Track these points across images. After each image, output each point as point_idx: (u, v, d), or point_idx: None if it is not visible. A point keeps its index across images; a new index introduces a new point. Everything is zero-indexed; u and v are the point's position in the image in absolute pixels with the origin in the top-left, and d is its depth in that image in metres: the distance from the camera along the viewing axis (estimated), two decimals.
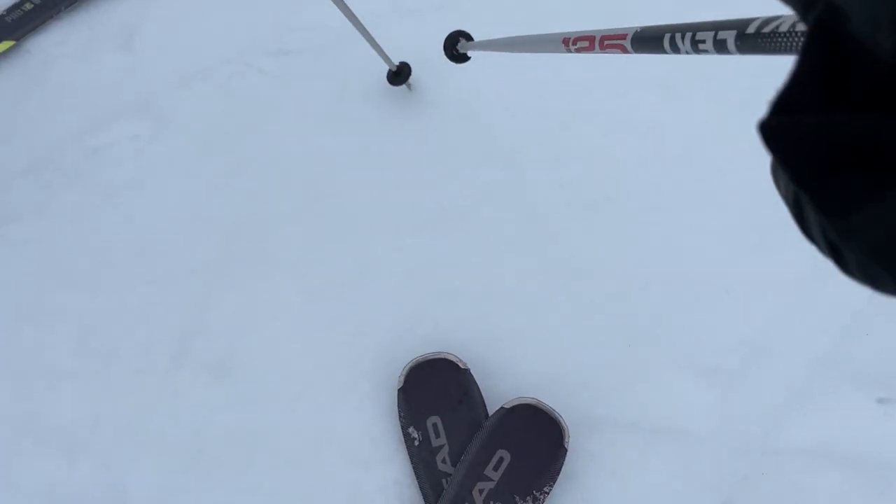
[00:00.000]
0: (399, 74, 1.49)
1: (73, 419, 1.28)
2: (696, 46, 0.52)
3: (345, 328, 1.38)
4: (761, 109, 0.29)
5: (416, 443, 1.28)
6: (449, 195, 1.48)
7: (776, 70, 0.35)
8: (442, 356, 1.31)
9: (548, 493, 1.24)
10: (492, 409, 1.31)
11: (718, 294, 1.40)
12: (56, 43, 1.61)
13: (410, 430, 1.28)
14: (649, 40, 0.59)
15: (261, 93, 1.54)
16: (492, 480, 1.24)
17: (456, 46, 1.34)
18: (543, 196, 1.47)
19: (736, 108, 1.52)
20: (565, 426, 1.26)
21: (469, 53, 1.34)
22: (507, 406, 1.27)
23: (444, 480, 1.26)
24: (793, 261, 1.42)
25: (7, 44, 1.60)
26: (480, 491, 1.24)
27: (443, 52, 1.35)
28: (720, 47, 0.47)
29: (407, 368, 1.30)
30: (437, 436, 1.28)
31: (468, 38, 1.33)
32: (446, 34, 1.34)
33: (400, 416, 1.30)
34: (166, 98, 1.54)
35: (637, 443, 1.32)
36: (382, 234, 1.45)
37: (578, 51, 0.76)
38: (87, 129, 1.51)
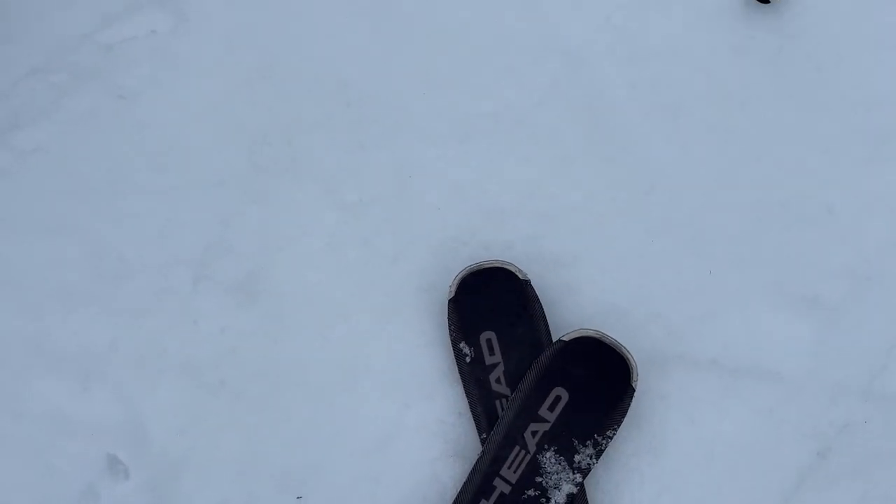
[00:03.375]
0: None
1: (87, 342, 1.18)
2: None
3: (383, 249, 1.23)
4: None
5: (468, 359, 1.13)
6: (502, 97, 1.29)
7: None
8: (500, 265, 1.15)
9: (611, 438, 1.09)
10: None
11: (819, 213, 1.20)
12: None
13: (461, 345, 1.14)
14: None
15: None
16: (547, 422, 1.09)
17: None
18: (613, 98, 1.27)
19: None
20: (633, 362, 1.09)
21: None
22: (565, 338, 1.10)
23: (498, 403, 1.12)
24: None
25: None
26: (534, 433, 1.09)
27: None
28: None
29: (459, 277, 1.15)
30: (492, 353, 1.13)
31: None
32: None
33: (450, 330, 1.15)
34: None
35: (717, 384, 1.15)
36: (425, 142, 1.27)
37: None
38: (99, 24, 1.34)
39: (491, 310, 1.14)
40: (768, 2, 1.23)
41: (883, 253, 1.19)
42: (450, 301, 1.15)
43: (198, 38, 1.35)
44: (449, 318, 1.15)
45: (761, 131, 1.23)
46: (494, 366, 1.13)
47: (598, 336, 1.10)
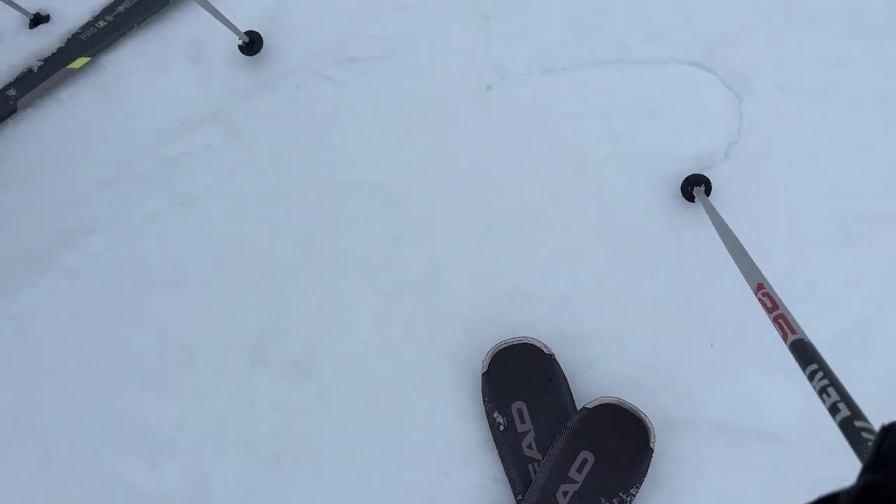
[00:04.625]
0: (252, 45, 1.54)
1: (156, 421, 1.30)
2: (821, 395, 0.75)
3: (420, 330, 1.37)
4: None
5: (502, 428, 1.26)
6: (519, 195, 1.46)
7: None
8: (526, 341, 1.29)
9: (634, 496, 1.21)
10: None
11: (802, 291, 1.36)
12: (129, 58, 1.65)
13: (495, 415, 1.27)
14: (803, 352, 0.80)
15: (329, 100, 1.55)
16: (576, 482, 1.21)
17: (693, 187, 1.39)
18: (616, 193, 1.45)
19: (811, 98, 1.48)
20: (651, 425, 1.23)
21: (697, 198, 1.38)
22: (589, 406, 1.24)
23: (530, 466, 1.24)
24: (881, 256, 1.37)
25: (83, 60, 1.64)
26: (565, 493, 1.21)
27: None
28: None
29: (491, 353, 1.29)
30: (523, 421, 1.26)
31: (709, 188, 1.39)
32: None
33: (484, 401, 1.28)
34: (237, 108, 1.56)
35: (724, 445, 1.28)
36: (454, 235, 1.44)
37: (759, 301, 0.95)
38: (161, 140, 1.53)
39: (520, 382, 1.28)
40: (693, 201, 1.41)
41: (863, 323, 1.34)
42: (483, 375, 1.29)
43: (248, 149, 1.53)
44: (483, 391, 1.28)
45: (747, 221, 1.40)
46: (526, 433, 1.25)
47: (618, 403, 1.23)
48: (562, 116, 1.51)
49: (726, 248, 1.08)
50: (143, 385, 1.33)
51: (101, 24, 1.68)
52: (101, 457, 1.28)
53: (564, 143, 1.49)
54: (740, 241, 1.08)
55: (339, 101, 1.55)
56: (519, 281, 1.40)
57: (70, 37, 1.67)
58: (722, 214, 1.40)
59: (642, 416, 1.23)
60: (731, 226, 1.39)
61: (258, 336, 1.36)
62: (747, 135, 1.47)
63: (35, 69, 1.64)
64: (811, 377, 0.76)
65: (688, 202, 1.41)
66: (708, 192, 1.38)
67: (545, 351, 1.28)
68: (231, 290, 1.40)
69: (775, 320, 0.86)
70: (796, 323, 0.84)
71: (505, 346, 1.29)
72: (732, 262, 1.08)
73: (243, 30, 1.53)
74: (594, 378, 1.33)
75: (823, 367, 0.76)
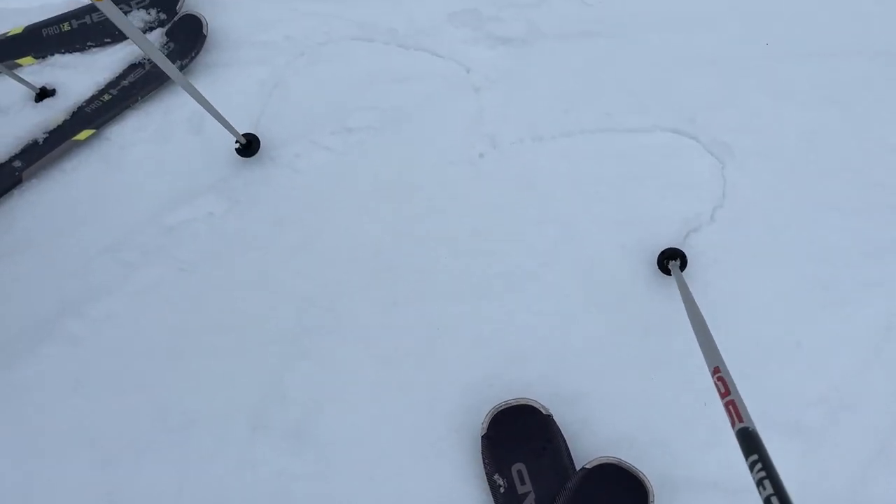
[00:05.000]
0: (250, 147, 1.60)
1: (157, 489, 1.31)
2: (758, 486, 0.77)
3: (419, 393, 1.39)
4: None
5: (502, 490, 1.27)
6: (512, 259, 1.51)
7: None
8: (525, 402, 1.32)
9: None
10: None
11: (790, 350, 1.40)
12: (133, 130, 1.70)
13: (496, 477, 1.28)
14: (748, 440, 0.85)
15: (327, 169, 1.61)
16: None
17: (668, 261, 1.44)
18: (606, 256, 1.49)
19: (790, 164, 1.55)
20: (649, 485, 1.24)
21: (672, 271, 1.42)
22: (588, 466, 1.26)
23: None
24: (864, 315, 1.41)
25: (87, 132, 1.69)
26: None
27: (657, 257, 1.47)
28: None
29: (490, 415, 1.31)
30: (523, 483, 1.27)
31: (684, 262, 1.44)
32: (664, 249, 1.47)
33: (485, 463, 1.29)
34: (237, 177, 1.61)
35: (720, 503, 1.30)
36: (450, 298, 1.47)
37: (714, 383, 1.01)
38: (163, 209, 1.57)
39: (519, 443, 1.30)
40: (670, 275, 1.47)
41: (851, 381, 1.38)
42: (483, 437, 1.30)
43: (248, 217, 1.57)
44: (483, 453, 1.30)
45: (734, 281, 1.45)
46: (526, 494, 1.27)
47: (616, 462, 1.25)
48: (552, 182, 1.57)
49: (692, 325, 1.12)
50: (143, 453, 1.33)
51: (106, 97, 1.73)
52: None
53: (555, 208, 1.55)
54: (706, 320, 1.13)
55: (337, 169, 1.60)
56: (515, 342, 1.43)
57: (75, 110, 1.73)
58: (709, 274, 1.46)
59: (641, 475, 1.24)
60: (718, 286, 1.45)
61: (258, 402, 1.38)
62: (731, 199, 1.53)
63: (40, 141, 1.69)
64: (751, 467, 0.80)
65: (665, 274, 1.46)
66: (683, 265, 1.43)
67: (543, 412, 1.31)
68: (231, 356, 1.42)
69: (726, 405, 0.90)
70: (745, 410, 0.88)
71: (504, 407, 1.31)
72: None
73: (242, 131, 1.60)
74: (592, 437, 1.35)
75: (764, 458, 0.81)
